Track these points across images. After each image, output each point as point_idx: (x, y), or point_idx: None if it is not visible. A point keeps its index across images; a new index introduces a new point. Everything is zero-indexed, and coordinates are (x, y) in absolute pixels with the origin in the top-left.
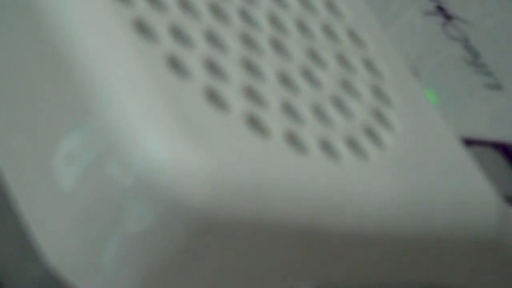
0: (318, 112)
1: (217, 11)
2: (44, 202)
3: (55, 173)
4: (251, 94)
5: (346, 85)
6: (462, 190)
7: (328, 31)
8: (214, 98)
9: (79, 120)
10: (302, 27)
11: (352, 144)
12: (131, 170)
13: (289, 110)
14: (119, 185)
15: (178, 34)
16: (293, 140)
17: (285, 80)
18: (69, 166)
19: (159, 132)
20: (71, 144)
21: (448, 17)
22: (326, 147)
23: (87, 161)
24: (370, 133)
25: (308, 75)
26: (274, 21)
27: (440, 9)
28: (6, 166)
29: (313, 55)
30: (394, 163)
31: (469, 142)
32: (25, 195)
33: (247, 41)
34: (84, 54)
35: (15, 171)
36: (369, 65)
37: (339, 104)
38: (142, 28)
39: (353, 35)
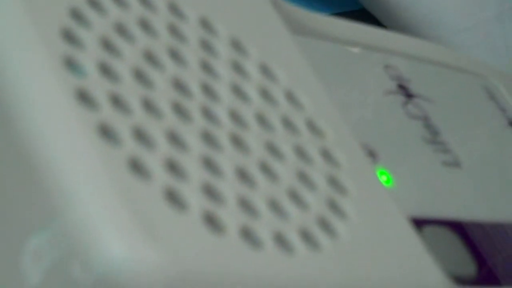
0: (274, 206)
1: (179, 110)
2: None
3: (23, 269)
4: (209, 192)
5: (303, 177)
6: (411, 276)
7: (288, 123)
8: (173, 197)
9: (46, 220)
10: (262, 120)
11: (306, 236)
12: (91, 271)
13: (245, 205)
14: (81, 285)
15: (140, 136)
16: (247, 235)
17: (243, 175)
18: (35, 263)
19: (118, 234)
20: (38, 242)
21: (409, 95)
22: (280, 240)
23: (52, 260)
24: (324, 224)
25: (265, 168)
26: (235, 115)
27: (402, 88)
28: None
29: (272, 148)
30: (346, 253)
31: (423, 222)
32: None
33: (208, 138)
34: (49, 157)
35: None
36: (326, 155)
37: (294, 196)
38: (106, 132)
39: (312, 125)
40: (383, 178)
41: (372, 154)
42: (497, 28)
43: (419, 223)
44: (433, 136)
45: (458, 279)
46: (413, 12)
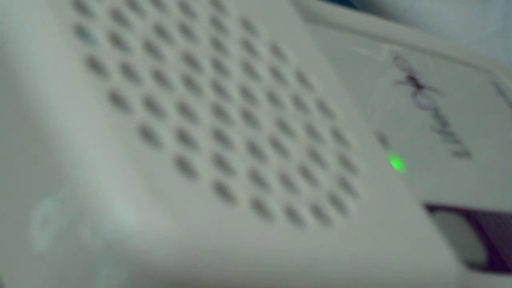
0: (285, 180)
1: (189, 83)
2: (19, 263)
3: (31, 236)
4: (220, 163)
5: (313, 154)
6: (424, 256)
7: (298, 102)
8: (183, 166)
9: (54, 186)
10: (273, 98)
11: (317, 211)
12: (101, 235)
13: (256, 178)
14: (90, 249)
15: (151, 105)
16: (259, 207)
17: (253, 149)
18: (44, 229)
19: (129, 199)
20: (46, 208)
21: (418, 86)
22: (291, 214)
23: (60, 225)
24: (335, 201)
25: (276, 144)
26: (246, 92)
27: (411, 79)
28: None
29: (282, 125)
30: (358, 230)
31: (433, 208)
32: (1, 255)
33: (218, 111)
34: (59, 123)
35: None
36: (337, 135)
37: (305, 172)
38: (116, 99)
39: (322, 105)
40: (394, 164)
41: (383, 141)
42: (500, 43)
43: (430, 209)
44: (443, 127)
45: (469, 264)
46: (416, 26)
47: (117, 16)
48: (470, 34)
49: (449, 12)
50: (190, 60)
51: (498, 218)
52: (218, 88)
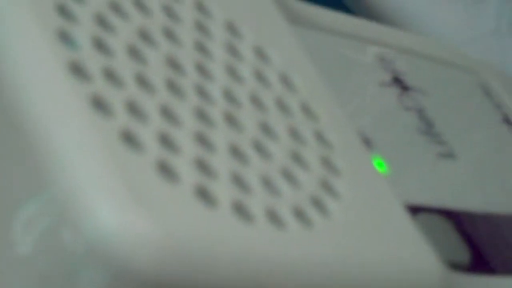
0: (266, 183)
1: (173, 86)
2: (2, 266)
3: (13, 239)
4: (202, 166)
5: (296, 157)
6: (405, 257)
7: (282, 105)
8: (165, 170)
9: (36, 189)
10: (256, 101)
11: (298, 213)
12: (82, 238)
13: (238, 181)
14: (72, 252)
15: (133, 109)
16: (240, 209)
17: (236, 152)
18: (26, 232)
19: (110, 202)
20: (28, 211)
21: (404, 88)
22: (272, 216)
23: (42, 228)
24: (317, 202)
25: (258, 147)
26: (229, 95)
27: (397, 80)
28: None
29: (265, 128)
30: (339, 231)
31: (417, 209)
32: None
33: (201, 114)
34: (41, 127)
35: None
36: (320, 137)
37: (287, 174)
38: (99, 104)
39: (305, 107)
40: (378, 166)
41: (367, 142)
42: (494, 43)
43: (413, 210)
44: (428, 128)
45: (451, 265)
46: (410, 26)
47: (100, 20)
48: (463, 33)
49: (442, 12)
50: (173, 64)
51: (481, 219)
52: (201, 92)
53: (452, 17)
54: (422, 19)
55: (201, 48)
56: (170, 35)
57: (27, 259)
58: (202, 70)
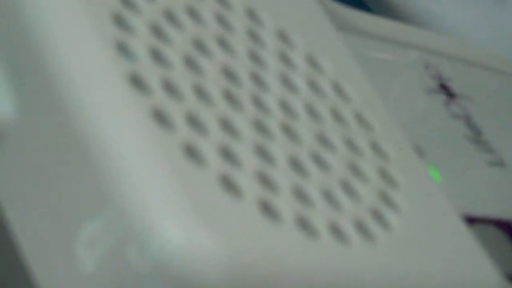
0: (327, 196)
1: (230, 97)
2: (66, 285)
3: (77, 257)
4: (263, 180)
5: (354, 168)
6: (463, 269)
7: (336, 114)
8: (228, 184)
9: (100, 206)
10: (311, 111)
11: (360, 227)
12: (148, 257)
13: (299, 194)
14: (137, 270)
15: (193, 122)
16: (304, 224)
17: (295, 164)
18: (90, 250)
19: (175, 218)
20: (92, 228)
21: (451, 95)
22: (336, 231)
23: (107, 246)
24: (377, 215)
25: (317, 158)
26: (285, 105)
27: (443, 87)
28: (30, 249)
29: (322, 139)
30: (400, 245)
31: (472, 220)
32: (47, 277)
33: (259, 126)
34: (104, 142)
35: (39, 254)
36: (375, 147)
37: (347, 187)
38: (160, 117)
39: (360, 117)
40: (432, 176)
41: (419, 152)
42: None
43: (469, 221)
44: (476, 136)
45: (508, 277)
46: (432, 28)
47: (156, 30)
48: (485, 34)
49: (465, 13)
50: (229, 74)
51: None
52: (258, 102)
53: (474, 18)
54: (444, 21)
55: (254, 57)
56: (223, 44)
57: (91, 278)
58: (256, 80)
